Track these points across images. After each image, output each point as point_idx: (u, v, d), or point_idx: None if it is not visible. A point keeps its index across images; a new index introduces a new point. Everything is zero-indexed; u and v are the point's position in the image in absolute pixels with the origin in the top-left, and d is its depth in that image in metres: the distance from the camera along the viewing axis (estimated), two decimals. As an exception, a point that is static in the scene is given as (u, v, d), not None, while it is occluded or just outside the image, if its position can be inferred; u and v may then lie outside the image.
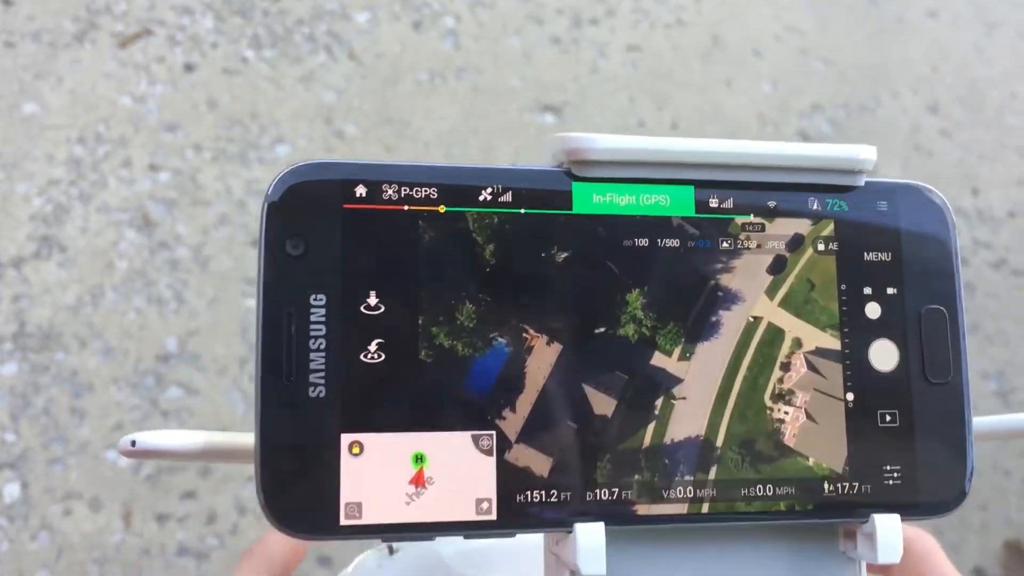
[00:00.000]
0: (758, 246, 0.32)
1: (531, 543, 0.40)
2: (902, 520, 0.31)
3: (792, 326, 0.32)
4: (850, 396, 0.32)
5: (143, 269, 1.24)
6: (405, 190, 0.30)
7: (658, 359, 0.31)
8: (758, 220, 0.32)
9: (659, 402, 0.31)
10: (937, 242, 0.33)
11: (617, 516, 0.30)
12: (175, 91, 1.35)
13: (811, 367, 0.32)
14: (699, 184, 0.32)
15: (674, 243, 0.31)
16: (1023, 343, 1.34)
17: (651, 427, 0.31)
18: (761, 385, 0.32)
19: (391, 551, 0.42)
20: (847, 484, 0.32)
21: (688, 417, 0.31)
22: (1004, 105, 1.53)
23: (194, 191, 1.29)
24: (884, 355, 0.32)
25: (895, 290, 0.33)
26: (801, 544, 0.33)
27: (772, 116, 1.47)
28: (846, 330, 0.32)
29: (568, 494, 0.30)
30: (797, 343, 0.32)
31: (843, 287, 0.32)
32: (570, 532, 0.30)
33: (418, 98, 1.39)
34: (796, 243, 0.32)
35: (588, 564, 0.29)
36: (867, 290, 0.33)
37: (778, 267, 0.32)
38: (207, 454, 0.35)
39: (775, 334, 0.32)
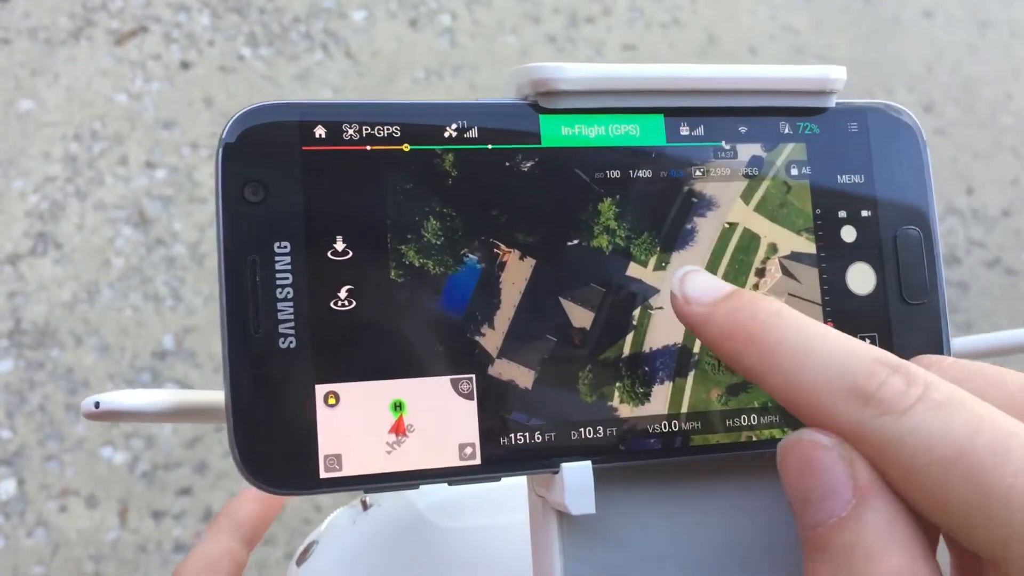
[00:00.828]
0: (731, 173, 0.32)
1: (508, 491, 0.40)
2: None
3: (767, 231, 0.32)
4: (830, 321, 0.32)
5: (139, 266, 1.24)
6: (367, 129, 0.29)
7: (634, 270, 0.31)
8: (729, 146, 0.32)
9: (636, 312, 0.30)
10: (909, 162, 0.33)
11: (602, 452, 0.29)
12: (171, 88, 1.35)
13: (786, 272, 0.32)
14: (669, 112, 0.31)
15: (647, 173, 0.31)
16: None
17: (629, 337, 0.30)
18: None
19: (365, 507, 0.41)
20: None
21: (665, 326, 0.31)
22: (998, 104, 1.54)
23: (190, 188, 1.29)
24: (861, 278, 0.32)
25: (869, 212, 0.32)
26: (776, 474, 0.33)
27: (767, 115, 1.47)
28: (823, 254, 0.32)
29: (552, 434, 0.29)
30: (772, 248, 0.32)
31: (817, 211, 0.32)
32: (556, 472, 0.29)
33: (414, 95, 1.40)
34: (768, 168, 0.32)
35: (577, 503, 0.29)
36: (841, 213, 0.32)
37: (753, 175, 0.32)
38: (176, 414, 0.33)
39: (751, 240, 0.32)
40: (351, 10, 1.45)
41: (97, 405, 0.32)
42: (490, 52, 1.46)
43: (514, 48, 1.47)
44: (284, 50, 1.40)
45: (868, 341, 0.31)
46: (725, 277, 0.31)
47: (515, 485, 0.37)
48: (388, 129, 0.29)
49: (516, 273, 0.30)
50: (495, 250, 0.30)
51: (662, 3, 1.54)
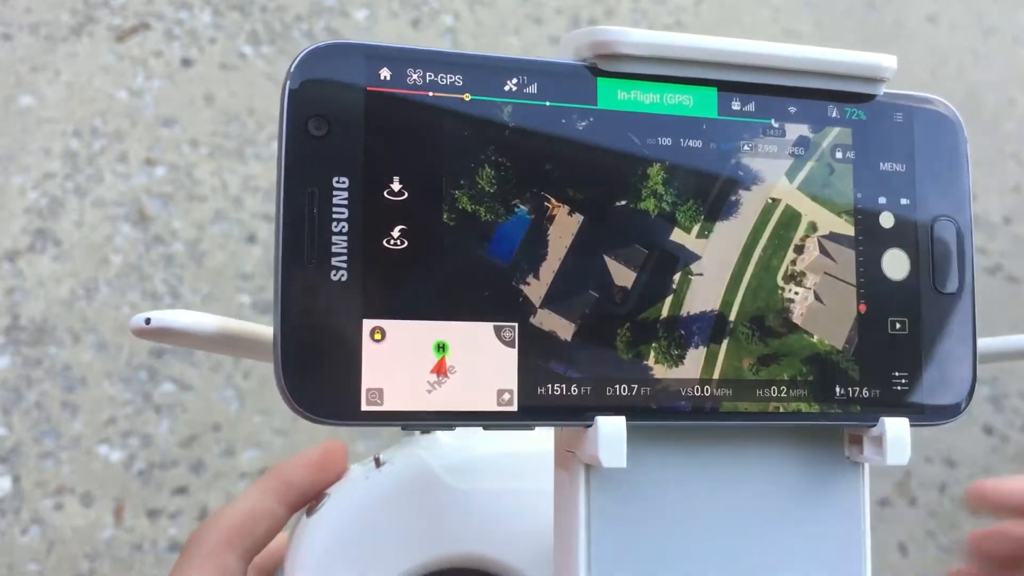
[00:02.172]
0: (778, 150, 0.32)
1: (524, 452, 0.40)
2: (912, 426, 0.32)
3: (809, 210, 0.33)
4: (862, 303, 0.32)
5: (138, 264, 1.24)
6: (430, 76, 0.29)
7: (677, 235, 0.31)
8: (778, 124, 0.32)
9: (677, 276, 0.31)
10: (949, 156, 0.34)
11: (635, 410, 0.30)
12: (172, 86, 1.35)
13: (823, 251, 0.33)
14: (722, 86, 0.32)
15: (696, 143, 0.32)
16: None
17: (668, 300, 0.31)
18: (775, 266, 0.32)
19: (378, 464, 0.41)
20: (857, 388, 0.32)
21: (704, 292, 0.31)
22: (1001, 111, 1.54)
23: (190, 186, 1.29)
24: (896, 264, 0.33)
25: (908, 201, 0.33)
26: (808, 447, 0.33)
27: (769, 119, 1.47)
28: (860, 238, 0.33)
29: (588, 388, 0.30)
30: (812, 227, 0.32)
31: (858, 195, 0.33)
32: (590, 426, 0.30)
33: (416, 96, 1.39)
34: (814, 149, 0.33)
35: (609, 456, 0.29)
36: (881, 200, 0.33)
37: (799, 155, 0.33)
38: (222, 339, 0.34)
39: (791, 217, 0.32)
40: (353, 9, 1.44)
41: (148, 321, 0.32)
42: (493, 52, 1.45)
43: (516, 49, 1.46)
44: (286, 48, 1.40)
45: (898, 326, 0.33)
46: (764, 251, 0.32)
47: (532, 453, 0.39)
48: (451, 78, 0.30)
49: (564, 228, 0.30)
50: (545, 203, 0.30)
51: (665, 5, 1.54)
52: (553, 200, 0.30)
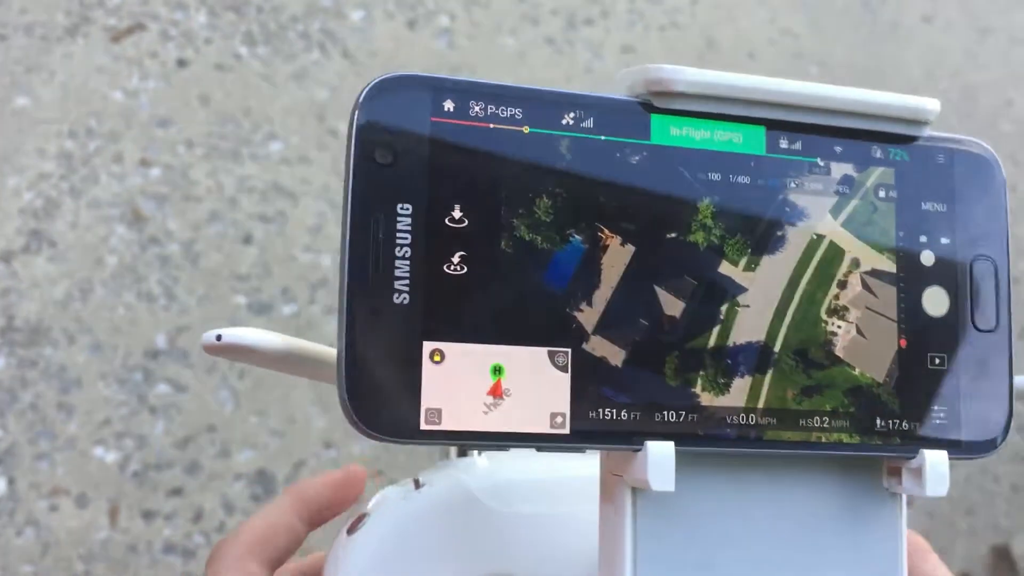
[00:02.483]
0: (823, 188, 0.33)
1: (562, 478, 0.41)
2: (950, 459, 0.33)
3: (852, 247, 0.34)
4: (903, 339, 0.34)
5: (133, 265, 1.24)
6: (491, 108, 0.31)
7: (725, 267, 0.32)
8: (824, 163, 0.34)
9: (724, 308, 0.32)
10: (989, 197, 0.35)
11: (682, 436, 0.31)
12: (168, 86, 1.35)
13: (866, 286, 0.34)
14: (770, 124, 0.33)
15: (744, 179, 0.33)
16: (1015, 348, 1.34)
17: (716, 330, 0.32)
18: (819, 299, 0.33)
19: (417, 485, 0.42)
20: (898, 421, 0.33)
21: (750, 323, 0.33)
22: (998, 112, 1.54)
23: (186, 187, 1.29)
24: (936, 301, 0.34)
25: (948, 240, 0.34)
26: (848, 478, 0.34)
27: (765, 119, 1.47)
28: (902, 275, 0.34)
29: (638, 413, 0.31)
30: (855, 263, 0.34)
31: (900, 234, 0.34)
32: (639, 450, 0.31)
33: (411, 97, 1.39)
34: (858, 188, 0.34)
35: (658, 480, 0.30)
36: (923, 238, 0.34)
37: (843, 192, 0.34)
38: (288, 358, 0.35)
39: (835, 253, 0.34)
40: (349, 10, 1.44)
41: (219, 338, 0.34)
42: (488, 53, 1.45)
43: (512, 49, 1.46)
44: (281, 49, 1.39)
45: (937, 361, 0.34)
46: (809, 285, 0.33)
47: (570, 477, 0.41)
48: (511, 110, 0.31)
49: (616, 257, 0.32)
50: (599, 233, 0.31)
51: (661, 5, 1.54)
52: (606, 231, 0.32)
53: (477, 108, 0.31)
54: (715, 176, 0.32)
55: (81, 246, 1.24)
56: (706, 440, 0.32)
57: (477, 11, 1.48)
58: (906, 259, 0.34)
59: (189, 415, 1.17)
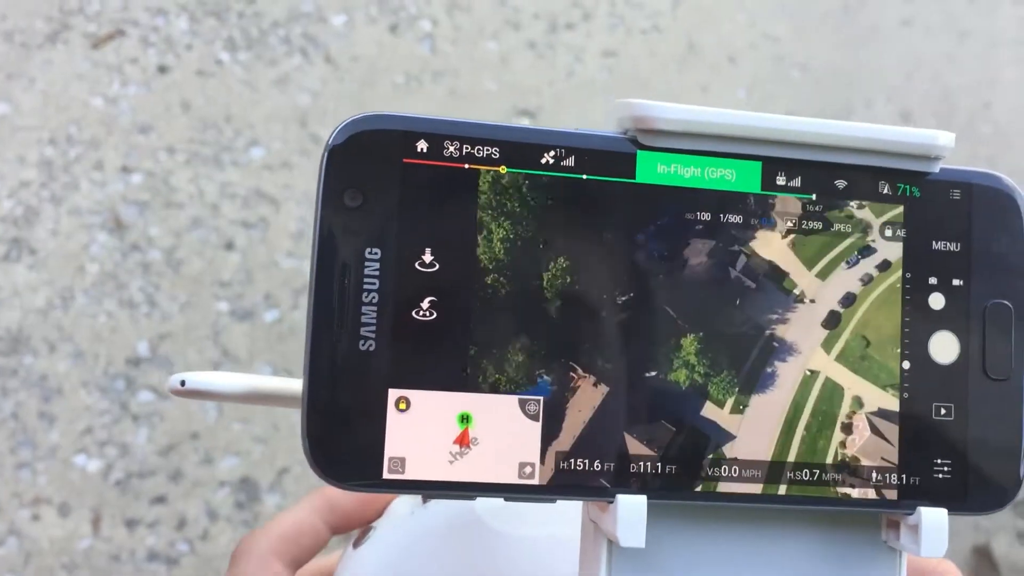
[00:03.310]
0: (824, 228, 0.31)
1: (567, 504, 0.40)
2: (949, 514, 0.31)
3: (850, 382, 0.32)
4: (906, 387, 0.31)
5: (114, 272, 1.23)
6: (467, 148, 0.30)
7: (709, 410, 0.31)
8: (824, 200, 0.31)
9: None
10: (1010, 236, 0.32)
11: (659, 491, 0.30)
12: (148, 92, 1.34)
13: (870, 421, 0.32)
14: (767, 161, 0.31)
15: (737, 219, 0.31)
16: None
17: (699, 487, 0.30)
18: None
19: (424, 500, 0.42)
20: (895, 474, 0.31)
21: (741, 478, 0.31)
22: (976, 114, 1.55)
23: (167, 193, 1.28)
24: (944, 347, 0.32)
25: (961, 282, 0.32)
26: (843, 531, 0.32)
27: (747, 122, 1.47)
28: (907, 319, 0.31)
29: (611, 465, 0.30)
30: (857, 401, 0.31)
31: (908, 275, 0.32)
32: (611, 502, 0.29)
33: (394, 101, 1.39)
34: (863, 227, 0.32)
35: (628, 536, 0.29)
36: (932, 280, 0.32)
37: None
38: (253, 396, 0.35)
39: (835, 388, 0.32)
40: (331, 15, 1.44)
41: (183, 383, 0.34)
42: (471, 58, 1.45)
43: (494, 54, 1.46)
44: (263, 54, 1.39)
45: (943, 412, 0.31)
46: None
47: (574, 503, 0.38)
48: (488, 150, 0.30)
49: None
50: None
51: (642, 9, 1.54)
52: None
53: (452, 148, 0.30)
54: (704, 216, 0.31)
55: (62, 253, 1.23)
56: (685, 493, 0.30)
57: (459, 15, 1.48)
58: (913, 303, 0.32)
59: (172, 423, 1.17)
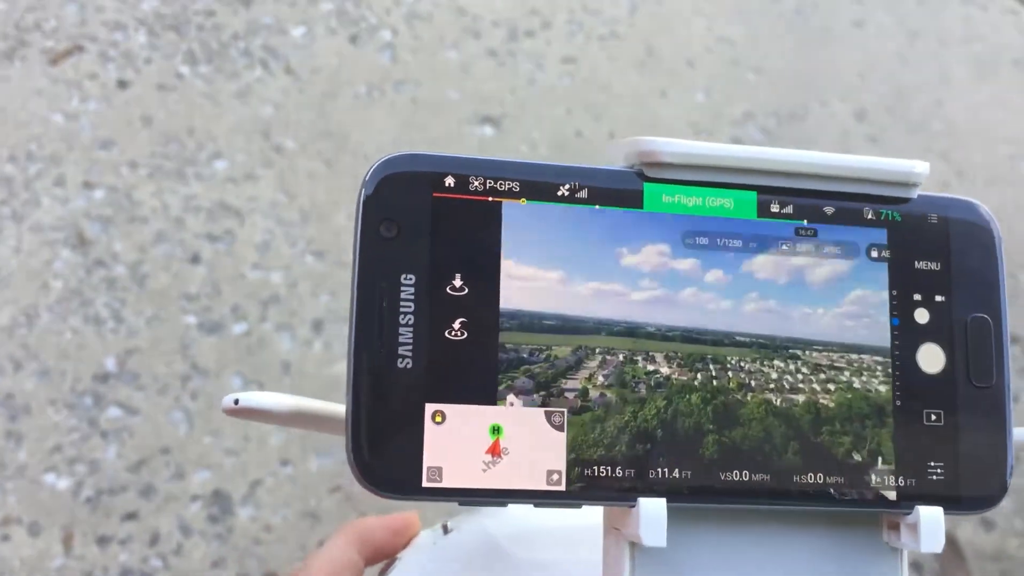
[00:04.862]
0: (815, 250, 0.34)
1: (582, 525, 0.42)
2: (945, 514, 0.34)
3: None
4: (898, 395, 0.34)
5: (79, 288, 1.22)
6: (490, 183, 0.33)
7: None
8: (815, 226, 0.35)
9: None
10: (984, 255, 0.36)
11: (677, 494, 0.32)
12: (109, 108, 1.33)
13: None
14: (762, 190, 0.34)
15: (736, 243, 0.34)
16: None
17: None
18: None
19: (446, 530, 0.44)
20: (893, 477, 0.34)
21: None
22: (929, 112, 1.58)
23: (130, 208, 1.27)
24: (931, 358, 0.35)
25: (943, 298, 0.35)
26: (847, 533, 0.35)
27: (706, 124, 1.49)
28: (896, 332, 0.34)
29: (632, 471, 0.32)
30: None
31: (894, 292, 0.35)
32: (633, 507, 0.32)
33: (356, 111, 1.40)
34: (851, 249, 0.35)
35: (650, 536, 0.31)
36: (916, 296, 0.35)
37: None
38: (300, 417, 0.37)
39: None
40: (290, 26, 1.44)
41: (236, 402, 0.36)
42: (431, 67, 1.46)
43: (455, 63, 1.47)
44: (223, 67, 1.39)
45: (933, 418, 0.34)
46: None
47: (590, 525, 0.41)
48: (509, 184, 0.33)
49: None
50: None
51: (600, 16, 1.56)
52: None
53: (476, 183, 0.32)
54: (703, 240, 0.34)
55: (25, 271, 1.22)
56: (700, 496, 0.33)
57: (419, 25, 1.49)
58: (901, 317, 0.35)
59: (142, 438, 1.16)
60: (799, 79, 1.57)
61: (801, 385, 0.34)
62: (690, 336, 0.33)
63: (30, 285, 1.22)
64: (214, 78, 1.38)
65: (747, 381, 0.33)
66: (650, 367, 0.33)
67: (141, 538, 1.12)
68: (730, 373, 0.33)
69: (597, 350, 0.33)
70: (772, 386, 0.34)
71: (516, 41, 1.51)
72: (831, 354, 0.34)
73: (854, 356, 0.34)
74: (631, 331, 0.33)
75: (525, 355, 0.32)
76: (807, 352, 0.34)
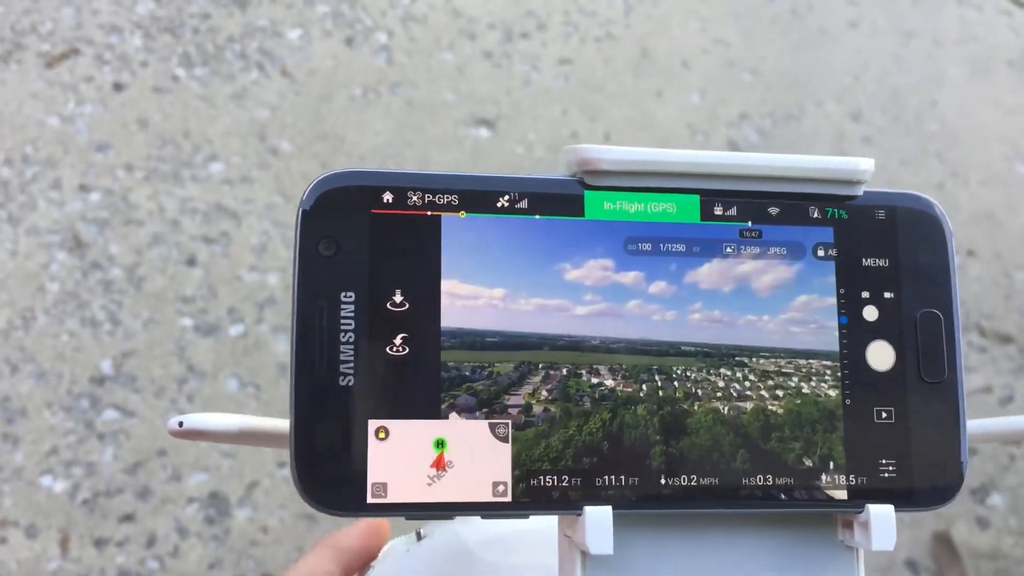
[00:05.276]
0: (760, 252, 0.34)
1: (551, 530, 0.43)
2: (898, 511, 0.33)
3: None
4: (847, 394, 0.34)
5: (75, 291, 1.22)
6: (429, 197, 0.32)
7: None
8: (759, 227, 0.34)
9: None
10: (933, 250, 0.35)
11: (623, 501, 0.32)
12: (105, 110, 1.34)
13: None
14: (705, 193, 0.34)
15: (680, 247, 0.34)
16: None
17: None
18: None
19: (419, 537, 0.44)
20: (844, 476, 0.34)
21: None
22: (923, 112, 1.59)
23: (126, 211, 1.28)
24: (881, 355, 0.34)
25: (892, 294, 0.35)
26: (802, 533, 0.35)
27: (702, 126, 1.50)
28: (844, 331, 0.34)
29: (579, 480, 0.32)
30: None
31: (841, 291, 0.34)
32: (580, 515, 0.32)
33: (352, 113, 1.40)
34: (797, 249, 0.34)
35: (596, 544, 0.31)
36: (865, 294, 0.34)
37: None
38: (245, 435, 0.37)
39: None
40: (286, 29, 1.45)
41: (181, 424, 0.36)
42: (427, 69, 1.46)
43: (451, 65, 1.48)
44: (219, 70, 1.39)
45: (885, 415, 0.34)
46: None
47: (555, 525, 0.40)
48: (448, 197, 0.32)
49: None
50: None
51: (596, 18, 1.56)
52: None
53: (415, 197, 0.32)
54: (646, 246, 0.33)
55: (22, 274, 1.22)
56: (647, 503, 0.33)
57: (415, 27, 1.49)
58: (849, 315, 0.34)
59: (138, 440, 1.16)
60: (794, 80, 1.58)
61: (749, 392, 0.34)
62: (634, 348, 0.33)
63: (26, 288, 1.22)
64: (210, 81, 1.38)
65: (694, 390, 0.33)
66: (594, 380, 0.33)
67: (138, 540, 1.12)
68: (676, 383, 0.33)
69: (540, 365, 0.33)
70: (719, 394, 0.33)
71: (511, 43, 1.51)
72: (779, 360, 0.34)
73: (802, 361, 0.34)
74: (574, 345, 0.33)
75: (467, 372, 0.32)
76: (753, 359, 0.34)
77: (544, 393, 0.33)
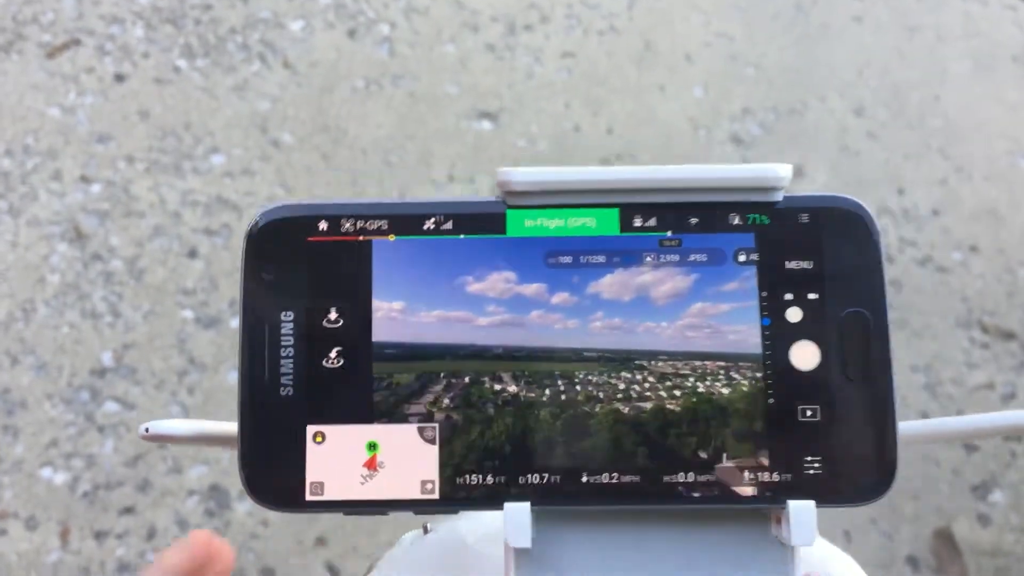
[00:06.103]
0: (680, 259, 0.35)
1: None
2: (822, 506, 0.34)
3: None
4: (770, 393, 0.35)
5: (76, 282, 1.22)
6: (360, 223, 0.35)
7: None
8: (679, 236, 0.35)
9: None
10: (860, 250, 0.35)
11: (544, 497, 0.34)
12: (106, 101, 1.33)
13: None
14: (624, 206, 0.36)
15: (600, 258, 0.35)
16: (949, 337, 1.38)
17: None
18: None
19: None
20: (767, 472, 0.34)
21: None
22: (926, 107, 1.58)
23: (127, 202, 1.27)
24: (805, 356, 0.35)
25: (816, 295, 0.35)
26: (736, 529, 0.35)
27: (704, 120, 1.49)
28: (767, 332, 0.35)
29: (501, 478, 0.34)
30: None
31: (763, 294, 0.35)
32: (501, 511, 0.34)
33: (354, 105, 1.39)
34: (717, 255, 0.35)
35: (515, 538, 0.34)
36: (788, 296, 0.35)
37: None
38: (202, 438, 0.40)
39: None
40: (288, 20, 1.44)
41: (147, 430, 0.39)
42: (429, 61, 1.46)
43: (453, 57, 1.47)
44: (221, 61, 1.39)
45: (810, 413, 0.35)
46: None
47: None
48: (378, 223, 0.35)
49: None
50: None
51: (599, 10, 1.56)
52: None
53: (348, 224, 0.35)
54: (566, 259, 0.35)
55: (22, 265, 1.22)
56: (564, 499, 0.34)
57: (417, 19, 1.49)
58: (772, 317, 0.35)
59: (138, 433, 1.16)
60: (798, 75, 1.57)
61: (649, 393, 0.35)
62: (536, 355, 0.35)
63: (27, 279, 1.21)
64: (211, 72, 1.38)
65: (595, 393, 0.35)
66: (497, 387, 0.35)
67: (138, 532, 1.12)
68: (578, 387, 0.35)
69: (442, 374, 0.35)
70: (620, 396, 0.35)
71: (514, 35, 1.51)
72: (705, 363, 0.35)
73: (725, 363, 0.35)
74: (478, 354, 0.35)
75: (397, 381, 0.35)
76: (652, 363, 0.35)
77: (447, 400, 0.35)
